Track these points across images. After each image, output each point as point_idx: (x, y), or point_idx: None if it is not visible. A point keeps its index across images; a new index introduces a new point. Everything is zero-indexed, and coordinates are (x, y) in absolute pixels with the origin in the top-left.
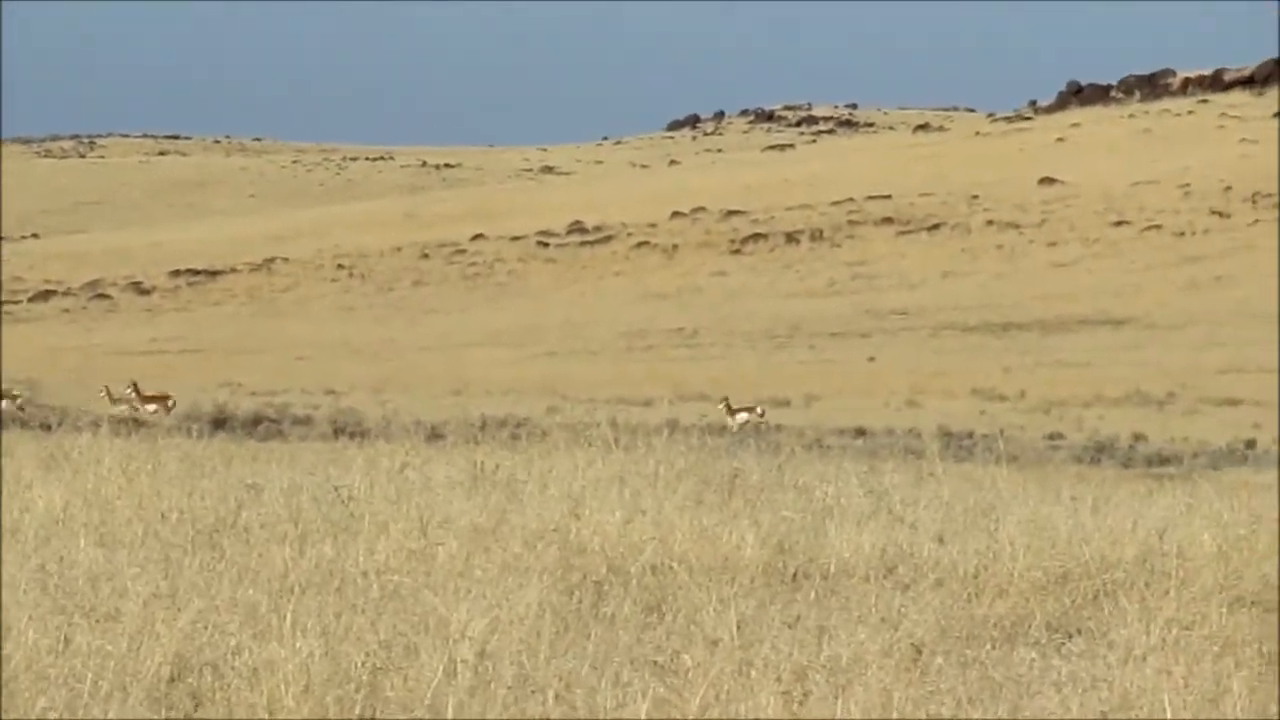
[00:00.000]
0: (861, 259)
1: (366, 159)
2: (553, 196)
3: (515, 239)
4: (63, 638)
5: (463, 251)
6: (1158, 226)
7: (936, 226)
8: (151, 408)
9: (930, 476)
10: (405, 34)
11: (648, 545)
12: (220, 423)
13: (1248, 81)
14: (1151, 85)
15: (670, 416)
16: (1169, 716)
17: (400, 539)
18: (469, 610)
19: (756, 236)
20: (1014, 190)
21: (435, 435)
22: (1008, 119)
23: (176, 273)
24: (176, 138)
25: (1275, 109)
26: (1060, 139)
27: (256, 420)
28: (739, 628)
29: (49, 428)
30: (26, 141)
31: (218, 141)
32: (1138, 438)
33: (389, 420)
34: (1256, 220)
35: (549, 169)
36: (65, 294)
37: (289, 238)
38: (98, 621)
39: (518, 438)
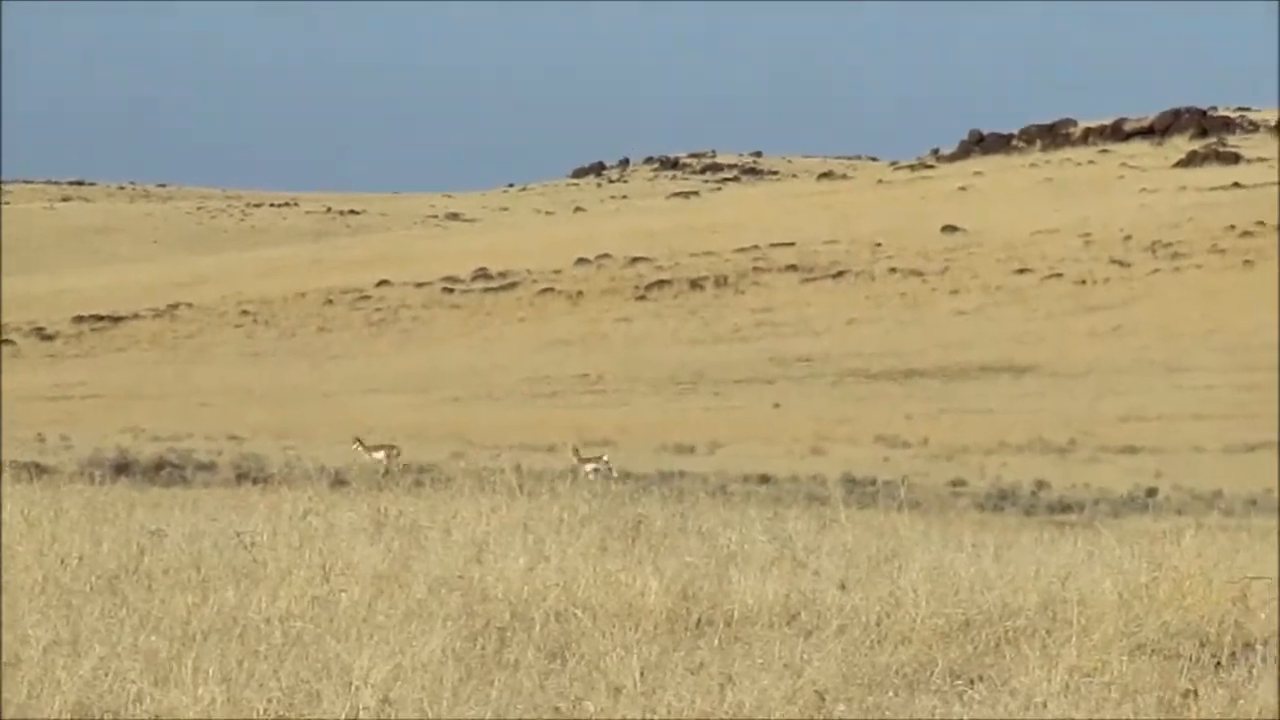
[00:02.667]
0: (766, 306)
1: (271, 205)
2: (458, 243)
3: (420, 285)
4: None
5: (367, 298)
6: (1059, 275)
7: (840, 274)
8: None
9: (834, 523)
10: (311, 80)
11: (551, 591)
12: (123, 468)
13: (1148, 131)
14: (1053, 134)
15: (573, 462)
16: None
17: (303, 585)
18: (371, 657)
19: (661, 283)
20: (917, 238)
21: (339, 481)
22: (911, 167)
23: (80, 318)
24: (81, 184)
25: (1175, 159)
26: (962, 187)
27: (159, 466)
28: (642, 674)
29: None
30: None
31: (122, 188)
32: (1040, 485)
33: (292, 466)
34: (1156, 269)
35: (454, 215)
36: None
37: (193, 284)
38: None
39: (422, 483)
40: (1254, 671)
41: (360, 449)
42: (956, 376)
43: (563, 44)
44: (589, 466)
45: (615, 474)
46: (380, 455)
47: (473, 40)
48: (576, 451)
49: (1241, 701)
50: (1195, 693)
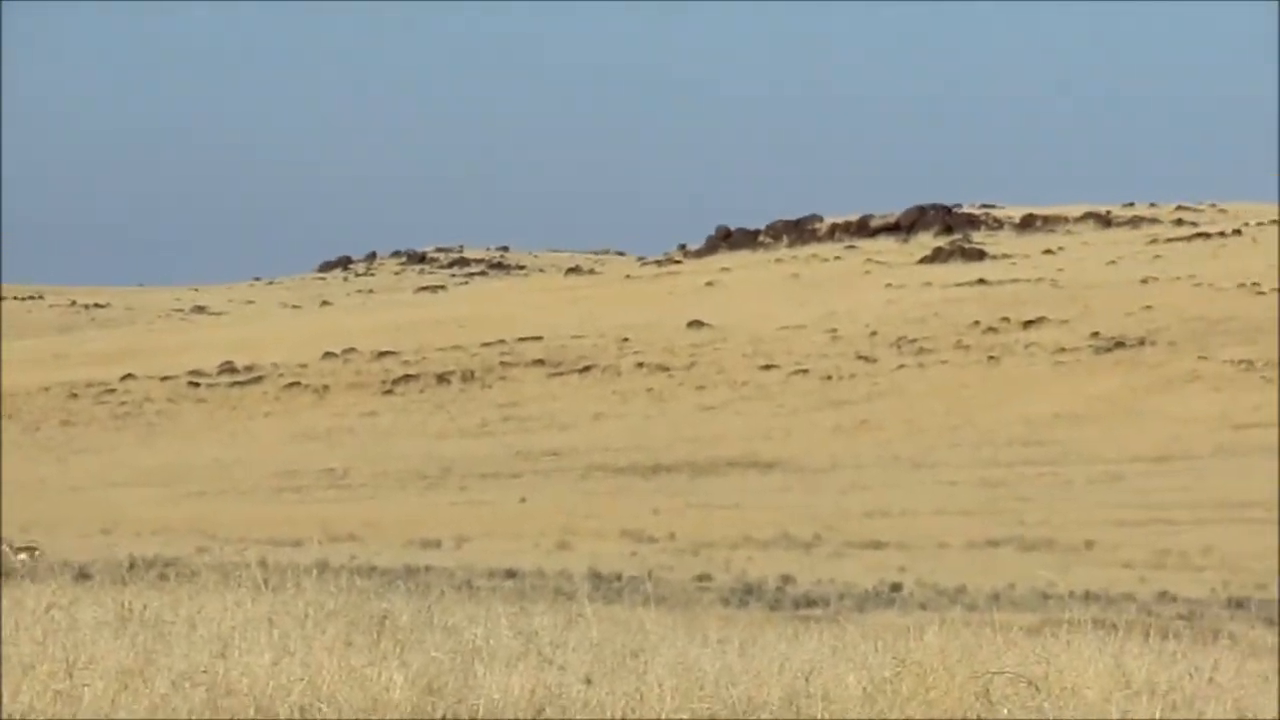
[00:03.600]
0: (513, 400)
1: (16, 298)
2: (204, 336)
3: (165, 379)
4: None
5: (112, 391)
6: (805, 370)
7: (587, 368)
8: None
9: (580, 618)
10: (54, 171)
11: (296, 686)
12: None
13: (893, 228)
14: (799, 230)
15: (320, 557)
16: None
17: (45, 680)
18: None
19: (408, 377)
20: (663, 333)
21: (83, 575)
22: (658, 262)
23: None
24: None
25: (920, 255)
26: (709, 283)
27: None
28: None
29: None
30: None
31: None
32: (785, 579)
33: (36, 560)
34: (901, 365)
35: (200, 309)
36: None
37: None
38: None
39: (166, 578)
40: None
41: (9, 550)
42: (703, 471)
43: (311, 136)
44: (21, 556)
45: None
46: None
47: (221, 129)
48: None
49: None
50: None
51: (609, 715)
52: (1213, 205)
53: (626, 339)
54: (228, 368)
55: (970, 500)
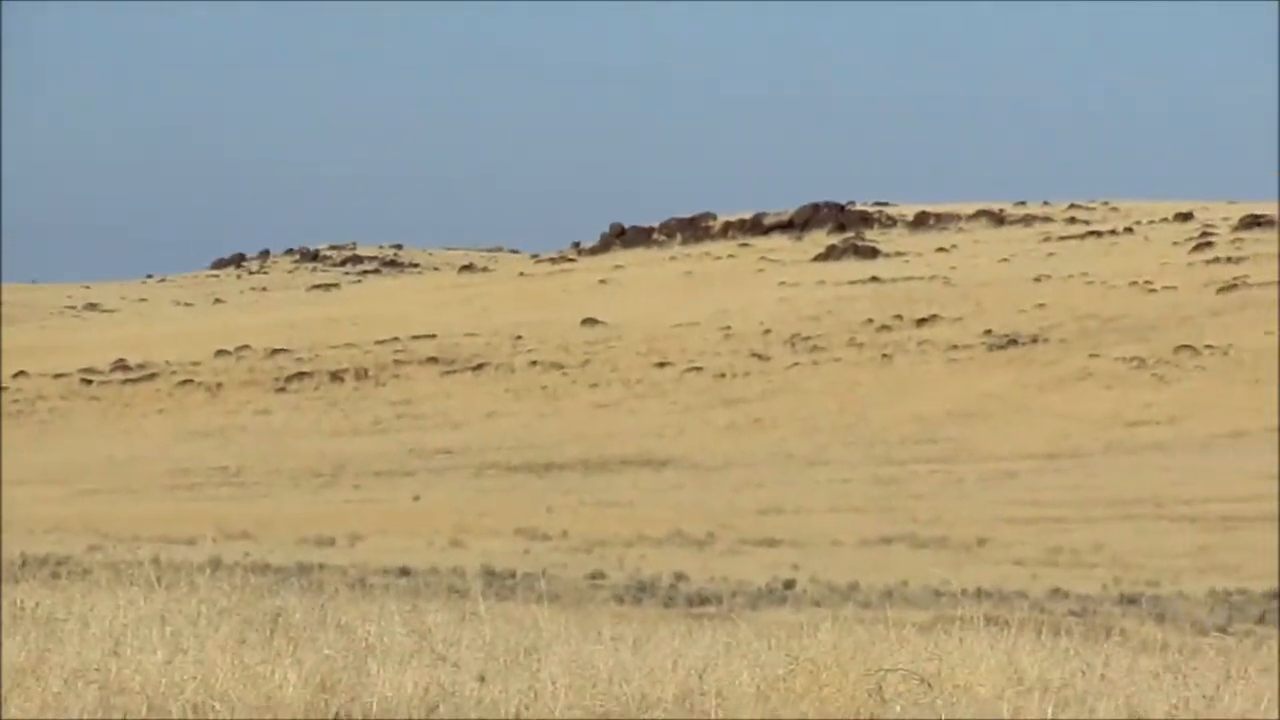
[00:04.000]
0: (406, 398)
1: None
2: (96, 334)
3: (58, 376)
4: None
5: (4, 389)
6: (699, 368)
7: (481, 366)
8: None
9: (473, 615)
10: None
11: (189, 684)
12: None
13: (787, 226)
14: (693, 228)
15: (213, 555)
16: None
17: None
18: None
19: (301, 375)
20: (557, 331)
21: None
22: (552, 260)
23: None
24: None
25: (814, 253)
26: (603, 281)
27: None
28: None
29: None
30: None
31: None
32: (679, 577)
33: None
34: (795, 363)
35: (93, 306)
36: None
37: None
38: None
39: (59, 576)
40: None
41: None
42: (596, 469)
43: (202, 133)
44: None
45: None
46: None
47: (107, 128)
48: None
49: None
50: None
51: (503, 713)
52: (1105, 203)
53: (520, 337)
54: (120, 365)
55: (863, 498)
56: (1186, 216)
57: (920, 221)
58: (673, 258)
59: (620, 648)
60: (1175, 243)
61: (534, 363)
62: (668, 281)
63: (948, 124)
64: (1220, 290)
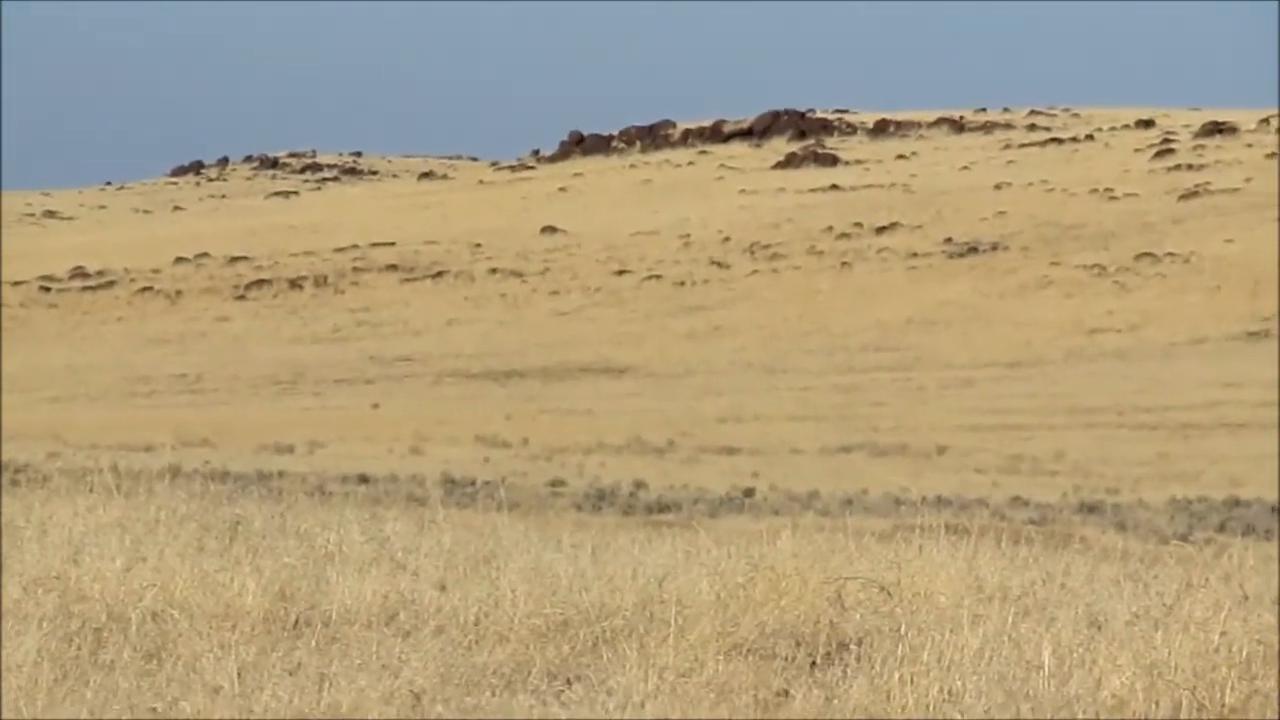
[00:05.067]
0: (366, 305)
1: None
2: (55, 241)
3: (17, 284)
4: None
5: None
6: (658, 276)
7: (440, 274)
8: None
9: (432, 523)
10: None
11: (148, 592)
12: None
13: (747, 133)
14: (653, 136)
15: (173, 462)
16: None
17: None
18: None
19: (261, 283)
20: (516, 239)
21: None
22: (511, 168)
23: None
24: None
25: (773, 161)
26: (562, 188)
27: None
28: (240, 675)
29: None
30: None
31: None
32: (638, 485)
33: None
34: (754, 271)
35: (51, 213)
36: None
37: None
38: None
39: (17, 483)
40: (848, 671)
41: None
42: (556, 377)
43: (163, 40)
44: None
45: None
46: None
47: (67, 34)
48: None
49: (835, 701)
50: (789, 693)
51: (462, 620)
52: (1066, 110)
53: (479, 244)
54: (79, 273)
55: (823, 406)
56: (1148, 124)
57: (880, 129)
58: (632, 165)
59: (580, 555)
60: (1137, 149)
61: (493, 270)
62: (627, 189)
63: (908, 30)
64: (1181, 198)
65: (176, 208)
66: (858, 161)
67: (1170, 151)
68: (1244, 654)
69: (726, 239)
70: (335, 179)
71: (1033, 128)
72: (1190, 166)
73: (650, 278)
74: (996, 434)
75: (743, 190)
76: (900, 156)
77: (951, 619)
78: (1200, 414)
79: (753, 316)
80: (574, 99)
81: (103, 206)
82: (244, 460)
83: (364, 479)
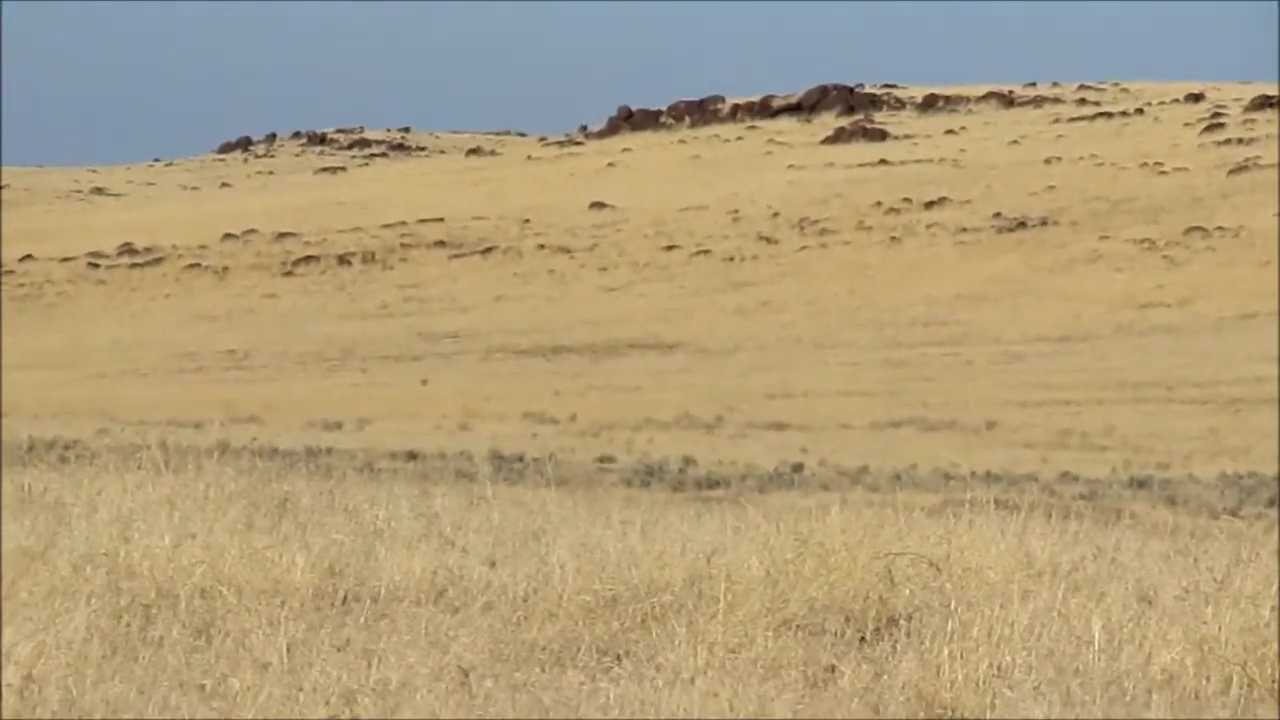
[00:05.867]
0: (414, 282)
1: None
2: (103, 218)
3: (65, 260)
4: None
5: (10, 273)
6: (707, 251)
7: (488, 250)
8: None
9: (481, 500)
10: None
11: (197, 568)
12: None
13: (795, 108)
14: (701, 111)
15: (221, 439)
16: None
17: None
18: (15, 634)
19: (309, 259)
20: (565, 215)
21: None
22: (559, 143)
23: None
24: None
25: (822, 136)
26: (611, 164)
27: None
28: (288, 651)
29: None
30: None
31: None
32: (687, 461)
33: None
34: (804, 246)
35: (99, 190)
36: None
37: None
38: None
39: (66, 460)
40: (897, 646)
41: None
42: (604, 353)
43: (210, 19)
44: None
45: None
46: None
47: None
48: None
49: (885, 676)
50: (838, 668)
51: (510, 597)
52: (1115, 84)
53: (528, 220)
54: (127, 249)
55: (872, 381)
56: (1198, 97)
57: (929, 104)
58: (681, 141)
59: (629, 532)
60: (1186, 124)
61: (541, 246)
62: (675, 165)
63: (957, 5)
64: (1231, 172)
65: (224, 184)
66: (906, 136)
67: (1220, 126)
68: None
69: (775, 214)
70: (383, 155)
71: (1082, 102)
72: (1240, 141)
73: (699, 253)
74: (1046, 409)
75: (791, 165)
76: (949, 131)
77: (1001, 594)
78: (1250, 388)
79: (801, 292)
80: (623, 75)
81: (151, 183)
82: (292, 437)
83: (412, 455)
